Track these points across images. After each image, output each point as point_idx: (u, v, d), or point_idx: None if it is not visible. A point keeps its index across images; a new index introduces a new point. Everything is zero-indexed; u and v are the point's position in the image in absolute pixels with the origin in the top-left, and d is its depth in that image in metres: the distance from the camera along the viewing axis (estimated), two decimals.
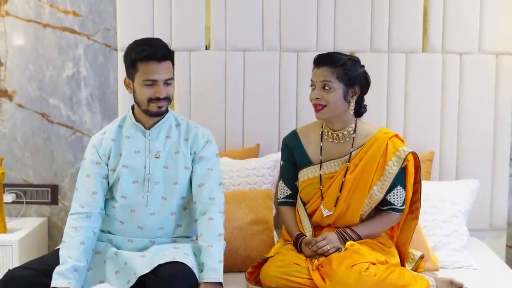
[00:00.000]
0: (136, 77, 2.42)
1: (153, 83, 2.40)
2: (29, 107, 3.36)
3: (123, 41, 3.23)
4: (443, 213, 2.91)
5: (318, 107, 2.51)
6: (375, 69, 3.21)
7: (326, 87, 2.47)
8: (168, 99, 2.45)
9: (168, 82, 2.43)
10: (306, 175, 2.61)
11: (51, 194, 3.40)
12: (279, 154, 2.96)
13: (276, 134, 3.29)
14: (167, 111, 2.52)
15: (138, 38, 3.14)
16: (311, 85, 2.54)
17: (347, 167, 2.53)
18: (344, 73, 2.48)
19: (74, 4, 3.30)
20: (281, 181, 2.73)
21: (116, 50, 3.29)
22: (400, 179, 2.52)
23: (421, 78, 3.26)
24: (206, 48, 3.28)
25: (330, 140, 2.60)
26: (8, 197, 3.28)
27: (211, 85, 3.28)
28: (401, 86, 3.25)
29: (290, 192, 2.69)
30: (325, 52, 2.67)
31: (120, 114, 3.24)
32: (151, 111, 2.44)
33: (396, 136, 2.57)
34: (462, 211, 2.94)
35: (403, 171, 2.51)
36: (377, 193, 2.52)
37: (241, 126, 3.29)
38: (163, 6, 3.24)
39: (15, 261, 2.99)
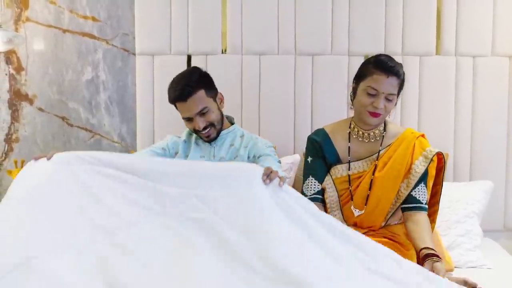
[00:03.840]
0: (180, 114, 2.63)
1: (189, 119, 2.57)
2: (49, 111, 3.43)
3: (141, 46, 3.31)
4: (457, 214, 2.94)
5: (377, 115, 2.47)
6: None
7: (389, 98, 2.45)
8: (212, 125, 2.59)
9: (202, 112, 2.55)
10: (338, 172, 2.60)
11: None
12: (296, 156, 3.00)
13: (292, 136, 3.33)
14: (232, 123, 2.75)
15: (155, 42, 3.25)
16: (371, 93, 2.44)
17: (376, 165, 2.53)
18: (402, 83, 2.49)
19: (93, 10, 3.37)
20: (310, 177, 2.62)
21: (134, 54, 3.35)
22: (424, 177, 2.52)
23: (434, 81, 3.29)
24: (223, 52, 3.33)
25: (360, 139, 2.59)
26: None
27: (227, 88, 3.28)
28: (415, 88, 3.29)
29: (320, 188, 2.61)
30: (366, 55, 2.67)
31: (138, 117, 3.32)
32: (203, 139, 2.65)
33: (423, 136, 2.59)
34: (476, 212, 2.97)
35: (427, 170, 2.51)
36: (403, 191, 2.52)
37: (257, 128, 3.34)
38: (180, 11, 3.30)
39: None
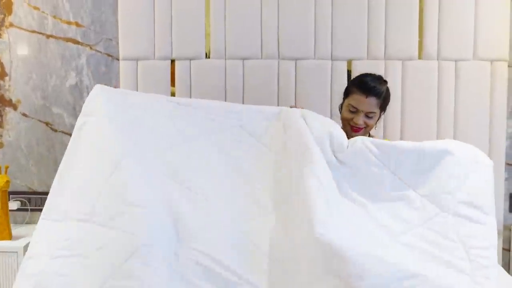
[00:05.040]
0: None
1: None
2: (33, 116, 3.42)
3: (125, 51, 3.31)
4: None
5: (358, 130, 2.68)
6: None
7: (369, 115, 2.66)
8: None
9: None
10: None
11: None
12: None
13: None
14: None
15: (139, 47, 3.27)
16: (352, 110, 2.66)
17: None
18: (384, 101, 2.69)
19: (77, 15, 3.37)
20: None
21: (118, 59, 3.35)
22: None
23: (417, 85, 3.31)
24: (206, 57, 3.34)
25: None
26: (13, 205, 3.35)
27: (211, 92, 3.34)
28: (398, 92, 3.31)
29: None
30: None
31: None
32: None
33: None
34: None
35: None
36: None
37: None
38: (163, 16, 3.31)
39: None
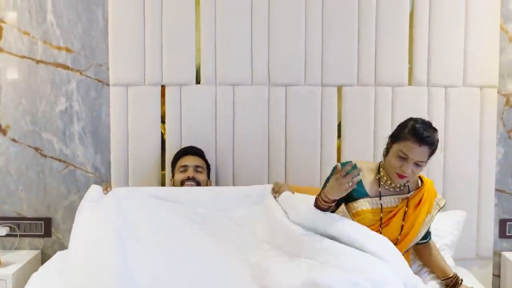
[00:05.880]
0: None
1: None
2: (22, 141, 3.41)
3: (115, 76, 3.32)
4: None
5: (403, 177, 2.58)
6: (362, 103, 3.32)
7: (419, 164, 2.54)
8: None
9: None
10: (364, 205, 2.65)
11: (45, 227, 3.44)
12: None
13: (266, 164, 3.36)
14: None
15: (129, 73, 3.33)
16: (402, 156, 2.54)
17: (408, 200, 2.66)
18: (433, 151, 2.57)
19: (67, 41, 3.36)
20: None
21: (108, 85, 3.34)
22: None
23: (407, 111, 3.28)
24: (197, 83, 3.34)
25: (387, 187, 2.67)
26: (2, 230, 3.32)
27: (201, 118, 3.34)
28: (388, 118, 3.32)
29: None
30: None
31: (112, 148, 3.32)
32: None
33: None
34: (448, 244, 3.01)
35: None
36: (423, 229, 2.69)
37: (231, 159, 3.35)
38: (154, 42, 3.31)
39: None
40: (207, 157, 3.27)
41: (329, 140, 3.33)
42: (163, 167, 3.37)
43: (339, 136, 3.34)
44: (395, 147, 2.57)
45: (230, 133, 3.34)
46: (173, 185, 3.18)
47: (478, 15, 3.30)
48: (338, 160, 3.32)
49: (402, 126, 2.61)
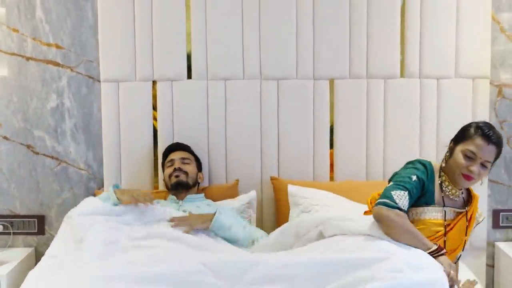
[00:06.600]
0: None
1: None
2: (14, 139, 3.39)
3: (106, 72, 3.30)
4: None
5: (470, 178, 2.51)
6: (354, 95, 3.31)
7: (485, 165, 2.49)
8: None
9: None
10: (432, 214, 2.58)
11: (38, 224, 3.43)
12: (251, 194, 3.21)
13: (259, 158, 3.35)
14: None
15: (120, 69, 3.29)
16: (469, 156, 2.48)
17: (466, 212, 2.60)
18: (499, 152, 2.53)
19: (57, 37, 3.34)
20: (406, 192, 2.47)
21: (99, 81, 3.33)
22: None
23: (399, 103, 3.32)
24: (188, 78, 3.32)
25: (448, 192, 2.59)
26: None
27: (193, 113, 3.33)
28: (380, 111, 3.31)
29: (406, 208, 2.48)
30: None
31: (104, 144, 3.31)
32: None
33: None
34: None
35: None
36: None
37: (224, 153, 3.35)
38: (144, 37, 3.29)
39: None
40: (200, 151, 3.27)
41: (321, 133, 3.32)
42: (155, 162, 3.36)
43: (331, 129, 3.34)
44: (461, 147, 2.52)
45: (222, 127, 3.33)
46: (165, 182, 3.19)
47: (469, 5, 3.28)
48: (331, 156, 3.32)
49: (465, 128, 2.57)
